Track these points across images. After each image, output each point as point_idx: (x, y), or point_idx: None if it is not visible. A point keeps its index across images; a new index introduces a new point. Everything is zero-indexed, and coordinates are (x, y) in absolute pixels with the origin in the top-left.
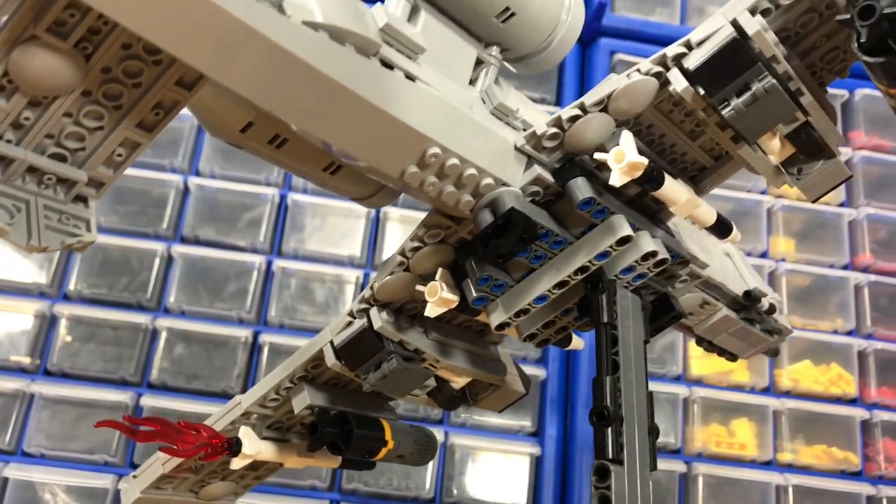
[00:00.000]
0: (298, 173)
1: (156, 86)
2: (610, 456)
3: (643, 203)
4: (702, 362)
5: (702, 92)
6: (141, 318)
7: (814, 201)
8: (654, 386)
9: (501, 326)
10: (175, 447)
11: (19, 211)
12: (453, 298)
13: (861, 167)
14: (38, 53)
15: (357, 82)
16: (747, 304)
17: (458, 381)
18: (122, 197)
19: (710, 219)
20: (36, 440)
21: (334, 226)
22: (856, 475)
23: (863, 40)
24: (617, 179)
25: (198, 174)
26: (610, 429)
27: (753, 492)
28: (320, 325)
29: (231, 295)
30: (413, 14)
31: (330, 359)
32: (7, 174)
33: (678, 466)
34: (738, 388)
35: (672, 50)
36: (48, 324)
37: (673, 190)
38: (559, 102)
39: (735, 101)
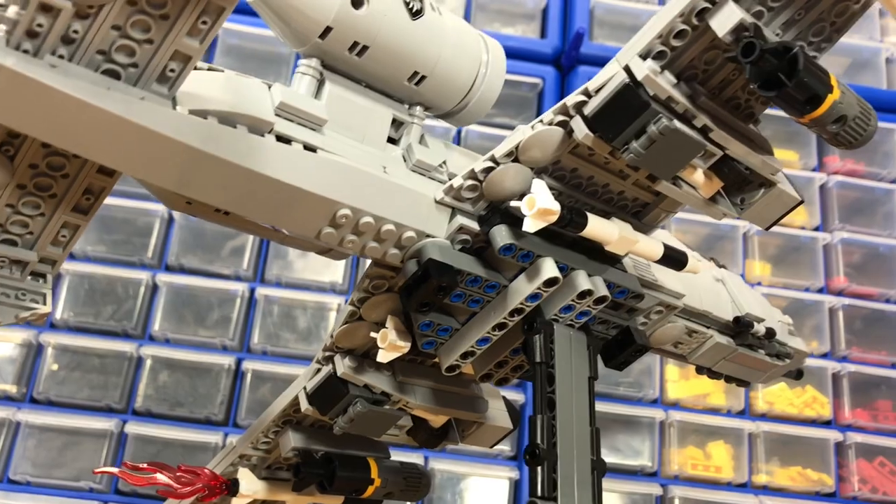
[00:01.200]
0: (255, 234)
1: (81, 174)
2: (540, 493)
3: (590, 242)
4: (678, 385)
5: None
6: (126, 346)
7: (766, 229)
8: (630, 409)
9: (451, 369)
10: (174, 488)
11: None
12: (403, 345)
13: (836, 192)
14: None
15: (251, 159)
16: (741, 329)
17: (435, 420)
18: (107, 226)
19: (656, 253)
20: (22, 468)
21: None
22: (830, 496)
23: (747, 76)
24: (531, 226)
25: None
26: (541, 467)
27: None
28: (303, 351)
29: (215, 322)
30: (320, 87)
31: (304, 404)
32: None
33: (654, 489)
34: (715, 411)
35: (571, 99)
36: (35, 352)
37: (599, 230)
38: None
39: (633, 145)
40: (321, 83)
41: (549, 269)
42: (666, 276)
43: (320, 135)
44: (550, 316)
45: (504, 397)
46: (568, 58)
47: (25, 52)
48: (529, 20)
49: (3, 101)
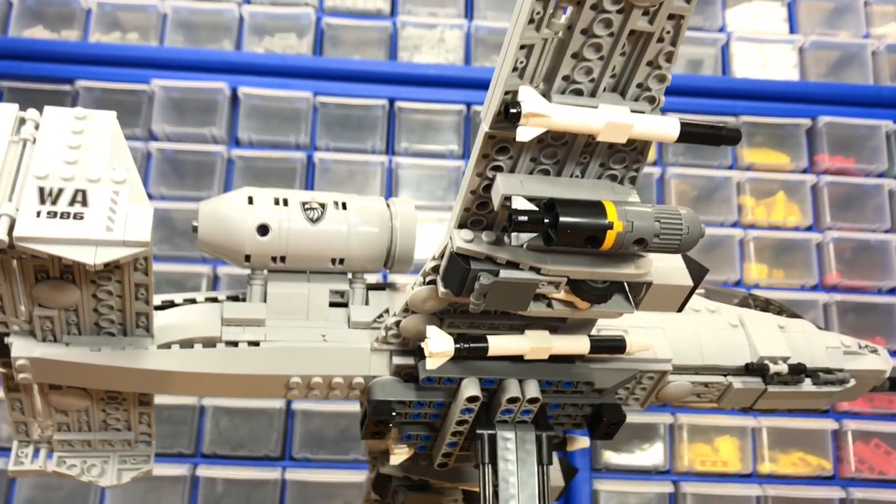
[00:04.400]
0: None
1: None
2: None
3: None
4: None
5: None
6: (188, 398)
7: (678, 311)
8: (641, 416)
9: (442, 465)
10: None
11: (105, 462)
12: (403, 451)
13: (826, 190)
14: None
15: (210, 365)
16: (758, 373)
17: None
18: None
19: (583, 349)
20: None
21: None
22: (829, 479)
23: (513, 243)
24: (431, 364)
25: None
26: None
27: (737, 502)
28: None
29: None
30: (266, 289)
31: (372, 494)
32: (92, 447)
33: (667, 487)
34: (720, 408)
35: (429, 264)
36: None
37: (506, 347)
38: None
39: (472, 298)
40: (266, 286)
41: (468, 389)
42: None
43: (263, 328)
44: (495, 419)
45: (560, 456)
46: None
47: (49, 340)
48: None
49: (53, 372)
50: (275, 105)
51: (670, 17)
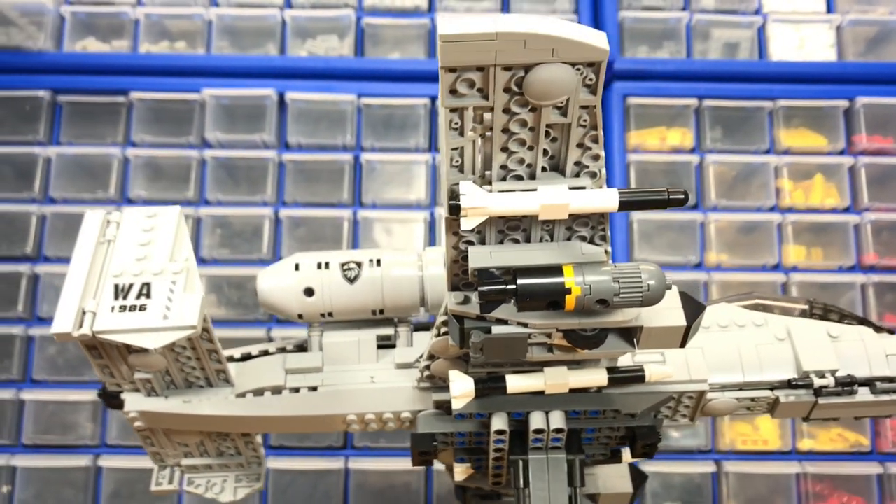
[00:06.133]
0: None
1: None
2: None
3: None
4: None
5: None
6: None
7: (681, 347)
8: None
9: (495, 483)
10: None
11: (224, 481)
12: (464, 470)
13: (864, 170)
14: (182, 435)
15: (278, 409)
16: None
17: None
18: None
19: (601, 381)
20: None
21: None
22: (867, 454)
23: (482, 313)
24: (457, 404)
25: None
26: None
27: (777, 479)
28: None
29: None
30: (321, 340)
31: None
32: (212, 470)
33: (709, 467)
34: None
35: (439, 318)
36: None
37: (523, 385)
38: None
39: (471, 352)
40: (322, 336)
41: (496, 423)
42: (685, 364)
43: (321, 375)
44: (529, 447)
45: (630, 463)
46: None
47: (153, 395)
48: None
49: (158, 419)
50: (321, 108)
51: (583, 106)
